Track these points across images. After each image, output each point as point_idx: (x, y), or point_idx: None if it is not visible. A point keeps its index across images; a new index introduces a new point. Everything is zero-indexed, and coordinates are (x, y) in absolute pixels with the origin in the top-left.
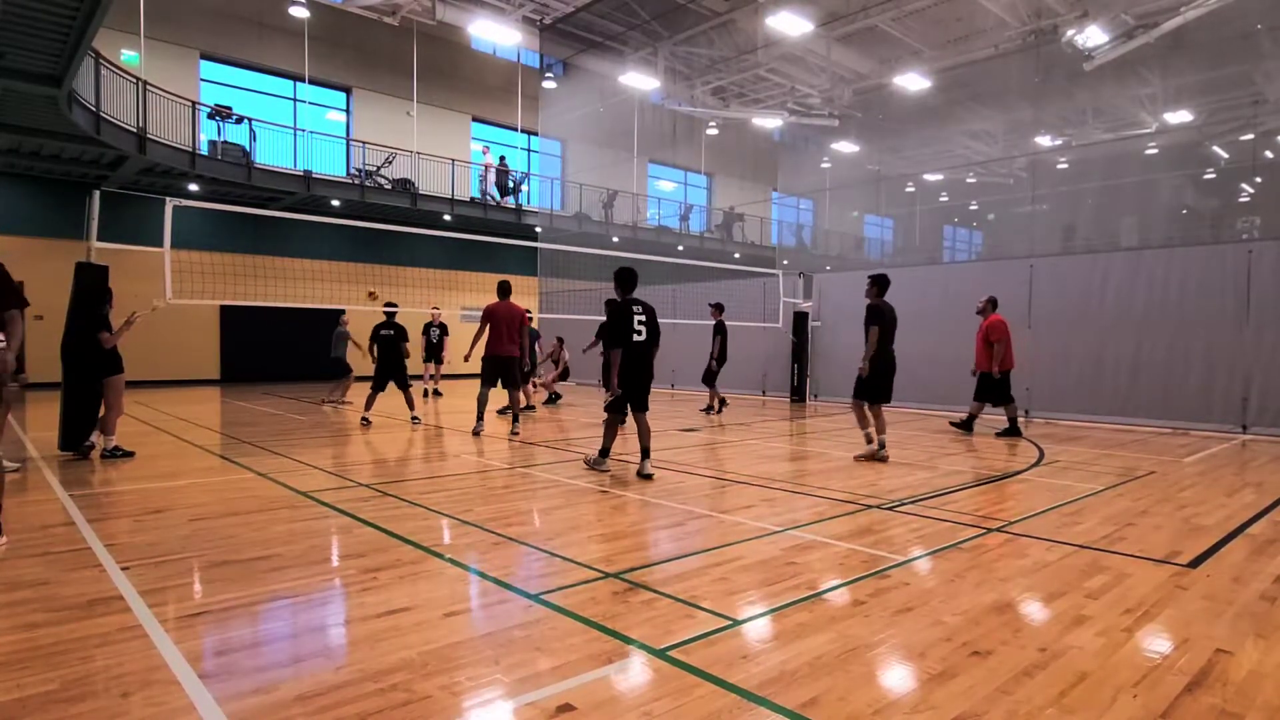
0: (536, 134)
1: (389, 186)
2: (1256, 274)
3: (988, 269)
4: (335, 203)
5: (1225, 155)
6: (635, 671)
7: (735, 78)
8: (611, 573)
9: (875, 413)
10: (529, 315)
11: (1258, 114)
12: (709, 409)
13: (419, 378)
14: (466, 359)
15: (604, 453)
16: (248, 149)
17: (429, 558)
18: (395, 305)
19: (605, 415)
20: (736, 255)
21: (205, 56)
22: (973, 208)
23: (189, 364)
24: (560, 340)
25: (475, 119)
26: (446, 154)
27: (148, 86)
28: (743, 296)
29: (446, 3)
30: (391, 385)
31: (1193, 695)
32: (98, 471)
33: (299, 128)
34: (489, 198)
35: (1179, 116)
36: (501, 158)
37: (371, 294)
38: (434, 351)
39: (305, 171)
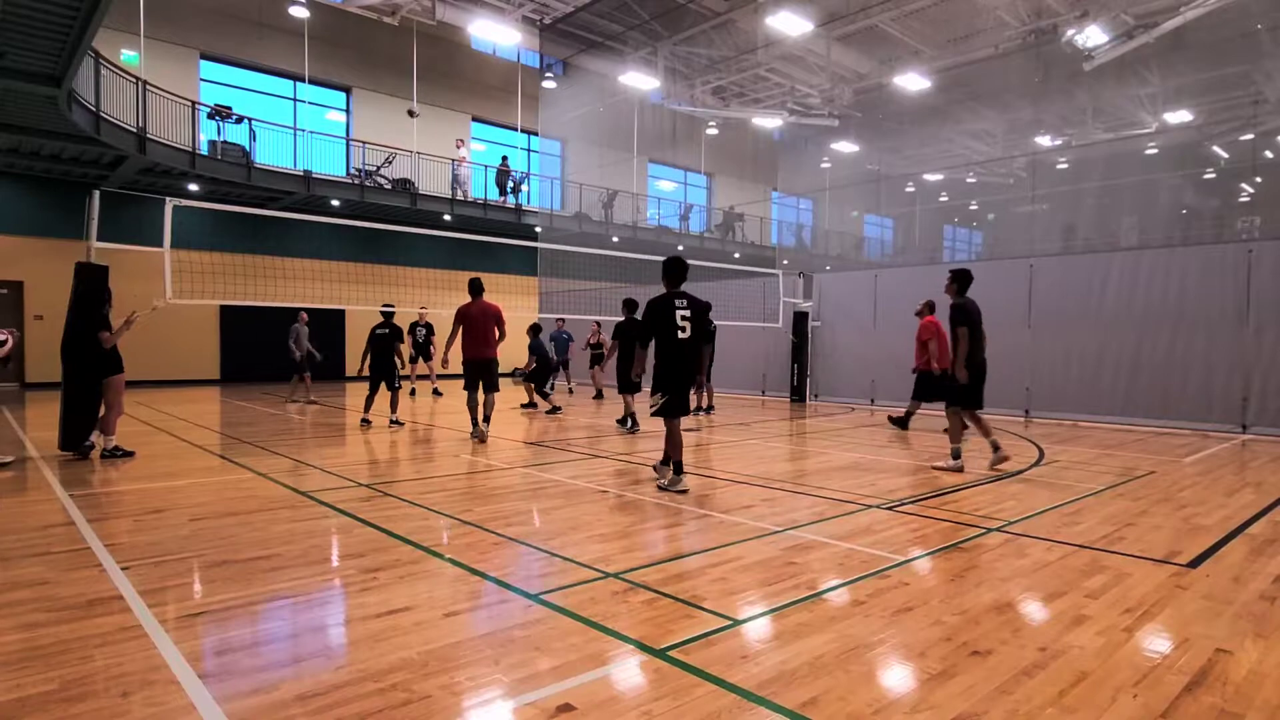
0: (536, 134)
1: (389, 186)
2: (1256, 274)
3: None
4: (335, 203)
5: (1225, 155)
6: (635, 671)
7: (735, 78)
8: (611, 573)
9: (974, 419)
10: (548, 317)
11: (1258, 114)
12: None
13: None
14: (445, 363)
15: (677, 468)
16: (248, 149)
17: (429, 558)
18: (392, 306)
19: (664, 423)
20: (736, 255)
21: (205, 56)
22: (973, 207)
23: (189, 364)
24: (599, 325)
25: (475, 119)
26: (446, 154)
27: (148, 86)
28: (742, 296)
29: (446, 3)
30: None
31: (1193, 695)
32: (98, 471)
33: (299, 128)
34: (461, 192)
35: (1179, 116)
36: (504, 158)
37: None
38: (422, 350)
39: (305, 171)
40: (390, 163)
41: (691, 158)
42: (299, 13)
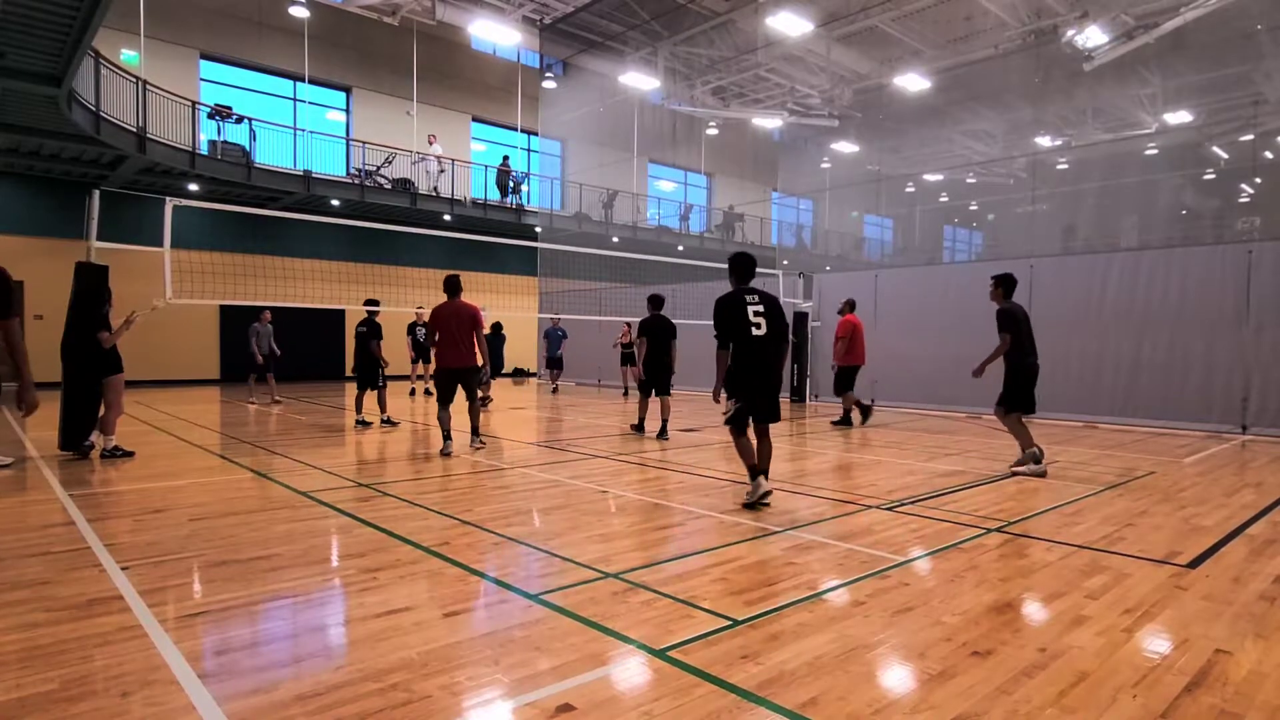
0: (536, 134)
1: (389, 186)
2: (1256, 274)
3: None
4: (335, 203)
5: (1225, 155)
6: (635, 671)
7: (735, 78)
8: (611, 573)
9: (1014, 423)
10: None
11: (1258, 114)
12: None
13: (405, 378)
14: (434, 377)
15: (754, 472)
16: (248, 149)
17: (429, 558)
18: (376, 302)
19: (730, 432)
20: None
21: (205, 56)
22: (973, 208)
23: (189, 364)
24: (629, 325)
25: (475, 119)
26: (446, 154)
27: (148, 86)
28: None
29: (446, 3)
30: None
31: (1192, 695)
32: (97, 471)
33: (299, 128)
34: (434, 190)
35: (1179, 117)
36: (505, 158)
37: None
38: (422, 351)
39: (305, 171)
40: (390, 162)
41: (691, 158)
42: (299, 13)
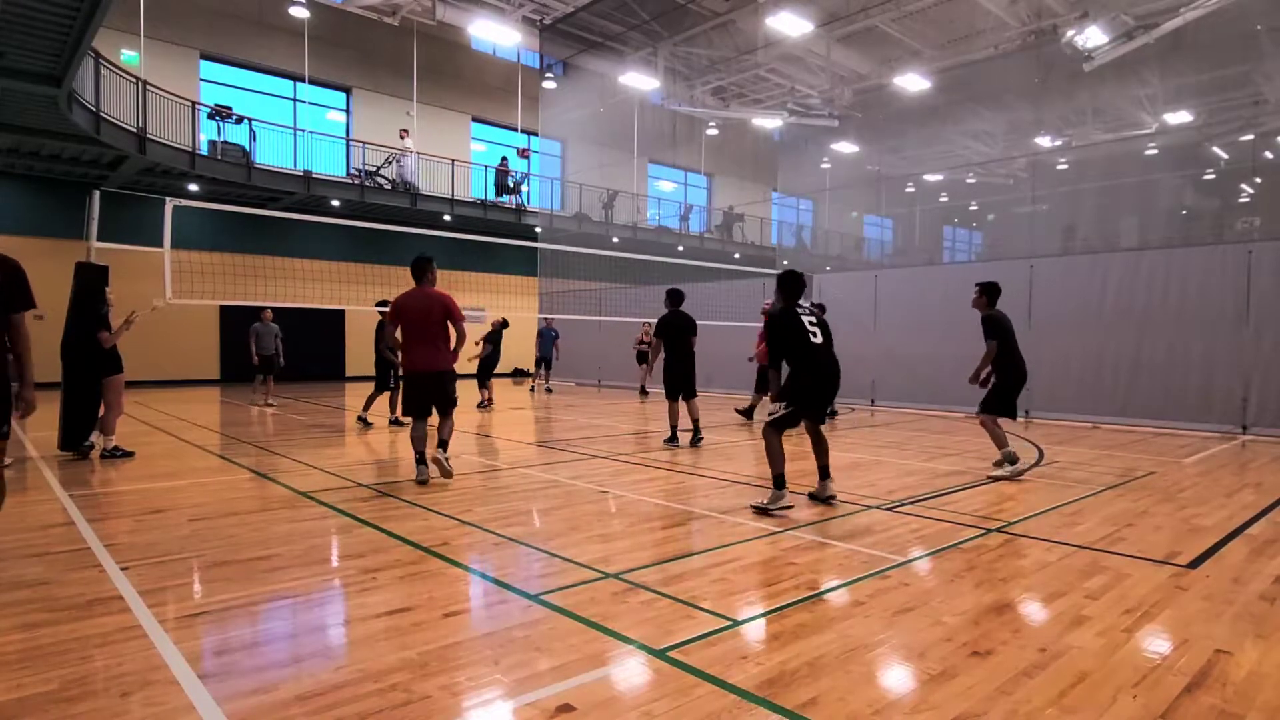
0: (536, 134)
1: (389, 186)
2: (1256, 274)
3: (988, 269)
4: (335, 203)
5: (1225, 156)
6: (635, 672)
7: (735, 78)
8: (611, 573)
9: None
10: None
11: (1258, 114)
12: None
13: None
14: (397, 382)
15: (779, 482)
16: (248, 149)
17: (429, 558)
18: (387, 303)
19: (764, 434)
20: (736, 255)
21: (205, 56)
22: (973, 208)
23: (189, 364)
24: (648, 325)
25: (475, 119)
26: (446, 154)
27: (148, 86)
28: (743, 297)
29: (446, 3)
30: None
31: (1192, 695)
32: (97, 471)
33: (299, 128)
34: (407, 185)
35: (1179, 117)
36: (503, 159)
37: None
38: None
39: (305, 171)
40: (390, 163)
41: (691, 158)
42: (299, 13)
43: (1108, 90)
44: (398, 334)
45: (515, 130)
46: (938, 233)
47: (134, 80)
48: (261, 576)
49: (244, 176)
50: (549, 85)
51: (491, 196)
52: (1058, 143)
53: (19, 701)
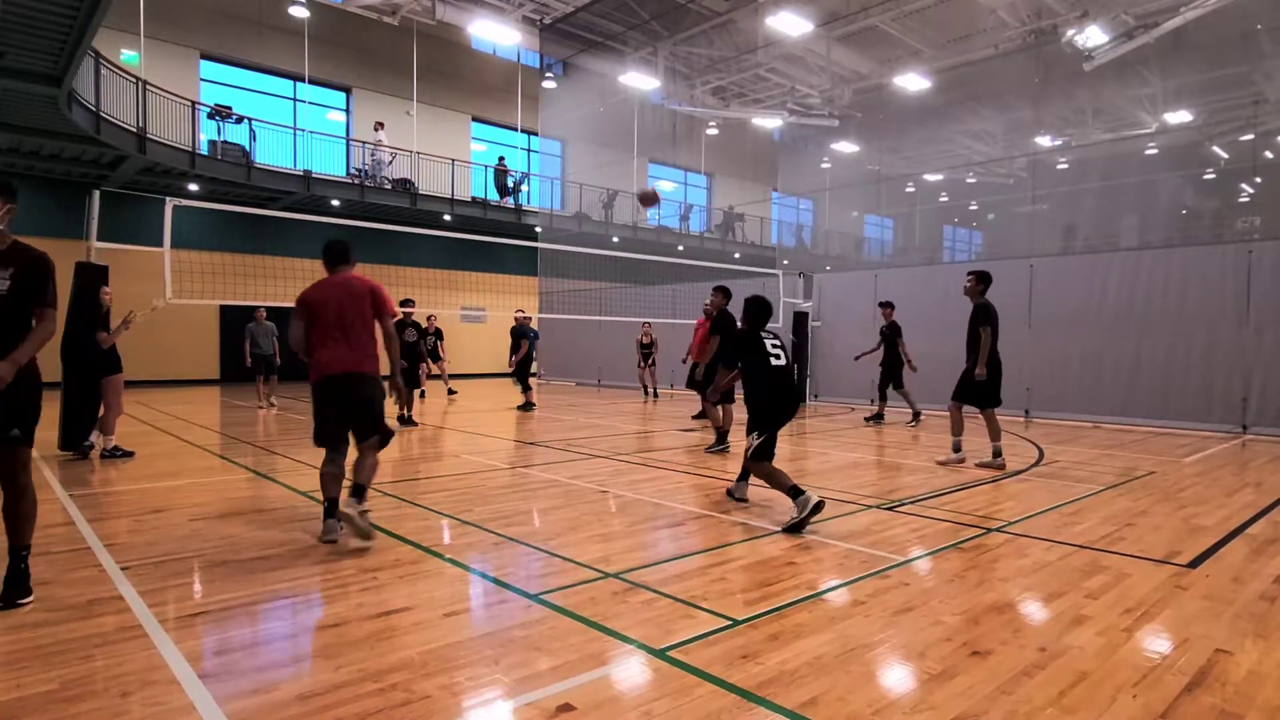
0: (536, 134)
1: (389, 186)
2: (1256, 274)
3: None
4: (335, 203)
5: (1225, 155)
6: (635, 671)
7: (735, 78)
8: (611, 573)
9: (990, 417)
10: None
11: (1258, 114)
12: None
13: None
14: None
15: (795, 492)
16: (248, 149)
17: (429, 558)
18: (411, 302)
19: (756, 469)
20: (736, 255)
21: (205, 56)
22: (973, 208)
23: (189, 364)
24: (648, 324)
25: (475, 119)
26: (446, 154)
27: (148, 86)
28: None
29: (446, 3)
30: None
31: (1192, 695)
32: (97, 471)
33: (299, 128)
34: (382, 179)
35: (1179, 116)
36: (500, 158)
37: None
38: (431, 354)
39: (305, 171)
40: (390, 163)
41: (691, 158)
42: (299, 13)
43: (1108, 90)
44: (319, 335)
45: (515, 130)
46: (938, 232)
47: (134, 80)
48: (261, 576)
49: (244, 176)
50: (549, 85)
51: (493, 197)
52: (1058, 142)
53: (19, 701)
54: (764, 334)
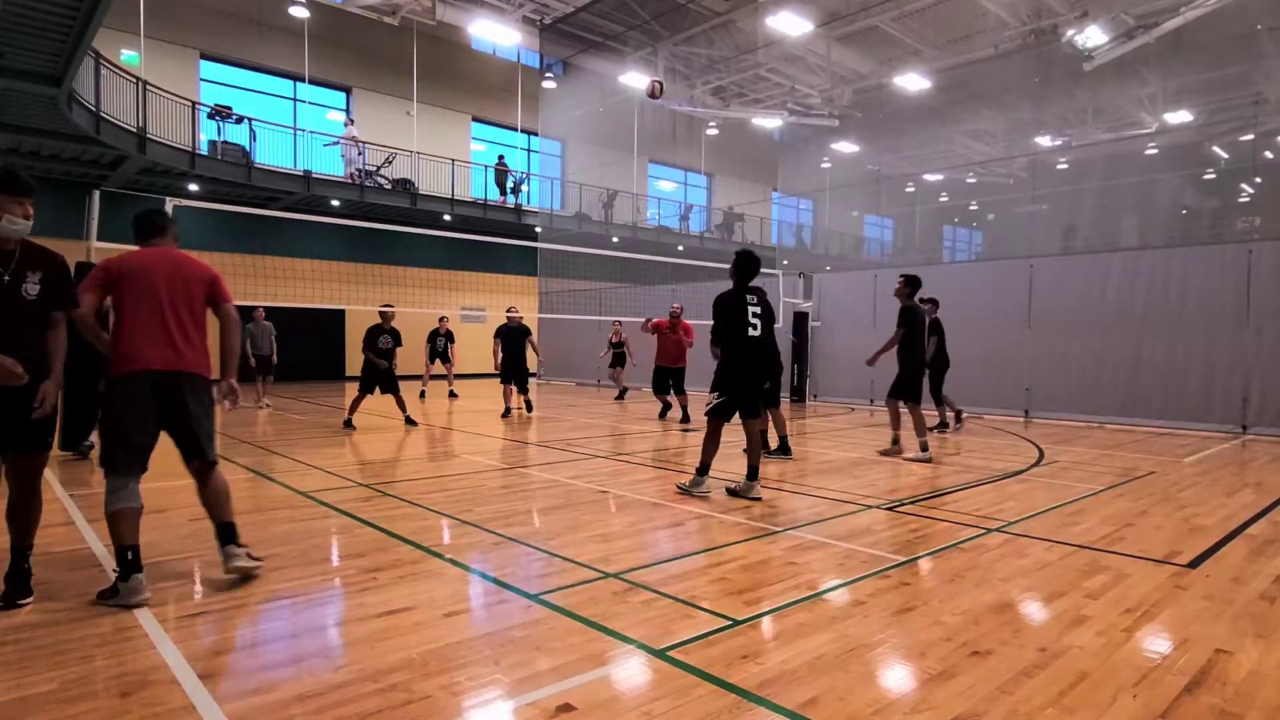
0: (536, 134)
1: (389, 186)
2: (1256, 274)
3: (988, 269)
4: (335, 203)
5: (1225, 155)
6: (635, 671)
7: (735, 78)
8: (611, 573)
9: (896, 408)
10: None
11: (1258, 114)
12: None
13: (418, 377)
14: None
15: (702, 470)
16: (248, 149)
17: (429, 558)
18: (390, 305)
19: (708, 423)
20: None
21: (205, 56)
22: (973, 208)
23: None
24: (619, 324)
25: (475, 119)
26: (446, 154)
27: (148, 86)
28: None
29: (446, 3)
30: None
31: (1192, 695)
32: (97, 471)
33: (299, 128)
34: (356, 173)
35: (1179, 116)
36: (500, 157)
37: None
38: (441, 355)
39: (305, 171)
40: (390, 163)
41: (691, 158)
42: (299, 13)
43: (1108, 90)
44: (131, 317)
45: (515, 130)
46: (938, 232)
47: (134, 80)
48: (261, 576)
49: (244, 176)
50: (549, 85)
51: (493, 196)
52: (1058, 142)
53: (19, 701)
54: (750, 296)
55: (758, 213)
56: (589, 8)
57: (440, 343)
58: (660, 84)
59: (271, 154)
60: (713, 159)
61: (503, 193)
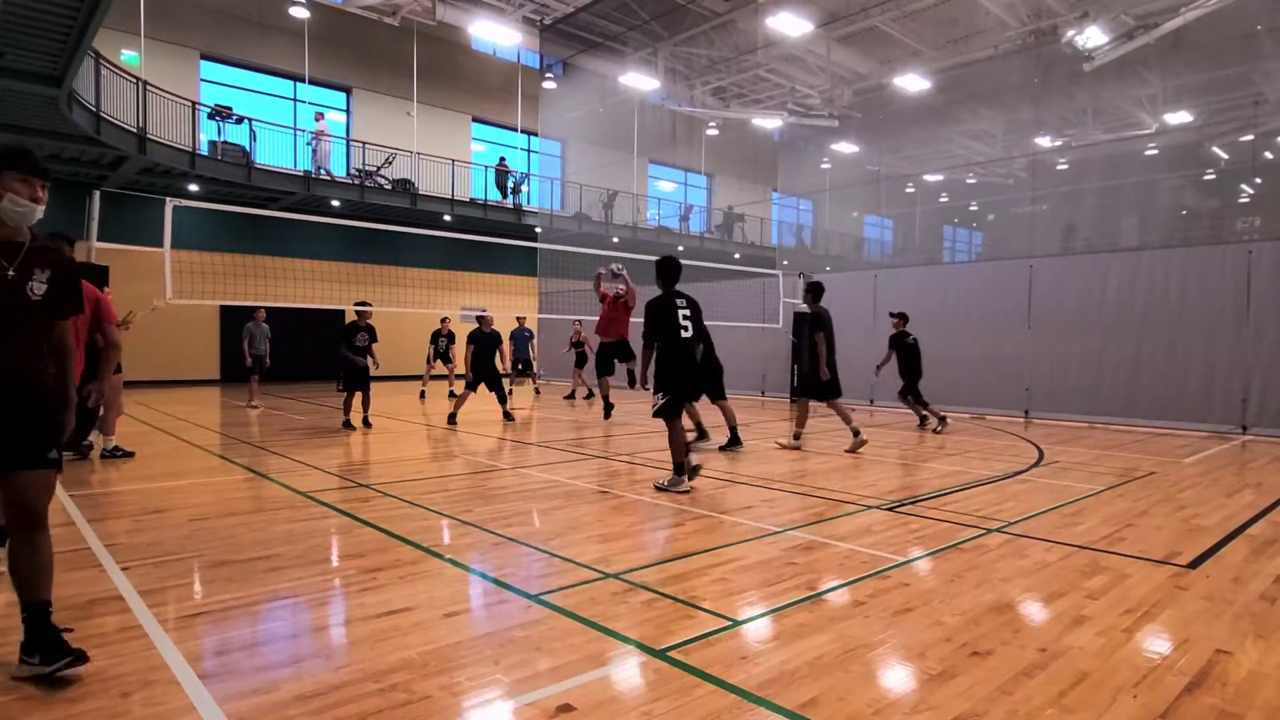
0: (536, 134)
1: (389, 186)
2: (1256, 274)
3: (988, 270)
4: (335, 203)
5: (1225, 156)
6: (635, 672)
7: (735, 78)
8: (611, 573)
9: (804, 408)
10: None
11: (1258, 114)
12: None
13: (418, 378)
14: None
15: (679, 469)
16: (248, 149)
17: (429, 558)
18: (366, 304)
19: (665, 423)
20: (736, 255)
21: (205, 56)
22: (973, 208)
23: (189, 364)
24: (580, 324)
25: (475, 119)
26: (446, 154)
27: (148, 86)
28: (743, 297)
29: (446, 3)
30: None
31: (1192, 695)
32: (97, 471)
33: (299, 128)
34: (322, 171)
35: (1179, 117)
36: (501, 158)
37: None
38: (442, 356)
39: (305, 171)
40: (390, 163)
41: (691, 158)
42: (299, 13)
43: (1108, 90)
44: None
45: (515, 130)
46: (938, 233)
47: (134, 80)
48: (261, 576)
49: (244, 176)
50: (549, 85)
51: (494, 197)
52: (1058, 143)
53: (19, 701)
54: (679, 300)
55: (758, 213)
56: (589, 8)
57: (442, 343)
58: None
59: (271, 154)
60: (713, 159)
61: (503, 194)
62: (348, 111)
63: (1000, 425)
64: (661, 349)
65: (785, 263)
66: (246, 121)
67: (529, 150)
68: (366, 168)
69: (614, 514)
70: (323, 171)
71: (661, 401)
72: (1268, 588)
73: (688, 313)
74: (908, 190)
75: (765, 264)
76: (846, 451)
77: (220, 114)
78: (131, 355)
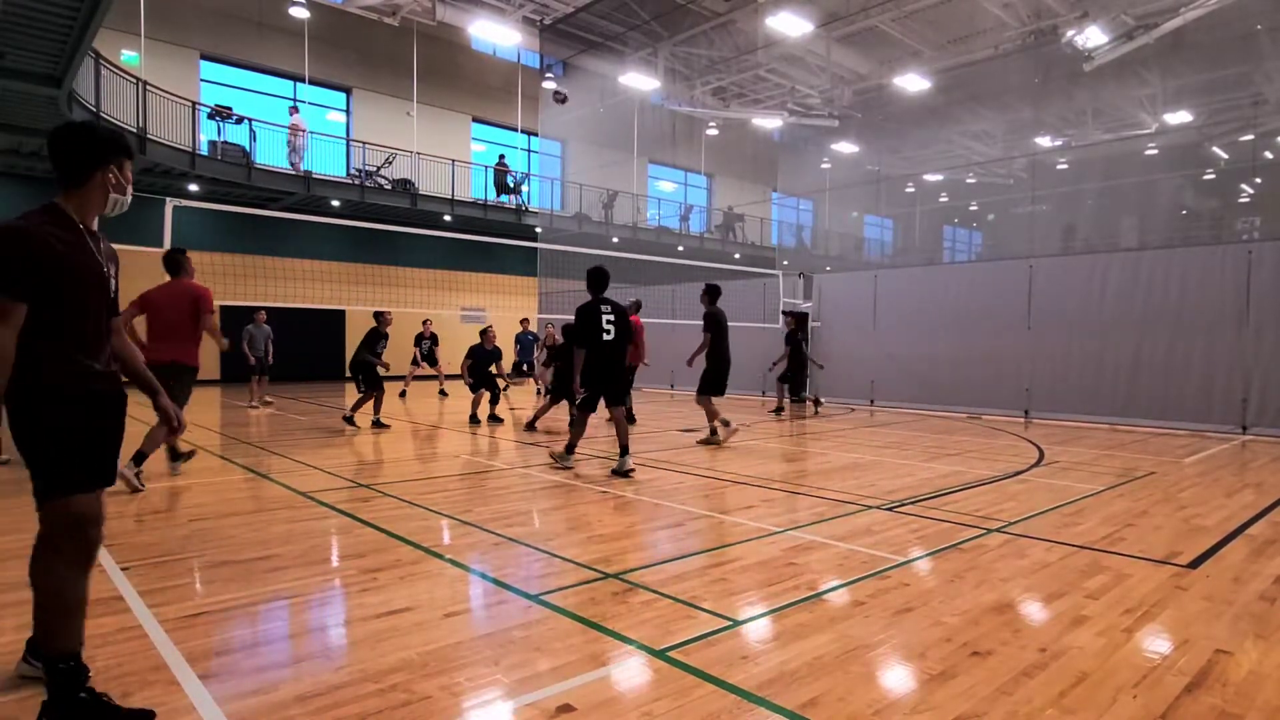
0: (536, 134)
1: (389, 187)
2: (1256, 274)
3: (987, 270)
4: (335, 203)
5: (1225, 156)
6: (635, 672)
7: (735, 78)
8: (611, 573)
9: (705, 403)
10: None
11: (1258, 114)
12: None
13: (401, 378)
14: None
15: (570, 449)
16: (248, 149)
17: (429, 558)
18: (382, 314)
19: (577, 413)
20: (736, 255)
21: (205, 57)
22: (973, 208)
23: None
24: (553, 326)
25: (475, 119)
26: (446, 154)
27: (148, 87)
28: (743, 297)
29: (446, 3)
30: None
31: (1192, 695)
32: None
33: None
34: (298, 169)
35: (1179, 117)
36: (501, 157)
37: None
38: (428, 358)
39: (305, 172)
40: (390, 163)
41: (691, 158)
42: (299, 13)
43: (1108, 90)
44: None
45: (515, 130)
46: (938, 233)
47: (134, 80)
48: (261, 576)
49: (244, 176)
50: (549, 85)
51: (492, 197)
52: (1058, 143)
53: (19, 702)
54: (604, 306)
55: (758, 213)
56: (589, 8)
57: (425, 346)
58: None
59: (271, 154)
60: (713, 159)
61: (499, 192)
62: (348, 111)
63: (1000, 425)
64: (589, 352)
65: (785, 263)
66: (246, 121)
67: (529, 150)
68: (366, 168)
69: (614, 514)
70: (302, 169)
71: (584, 396)
72: (1268, 588)
73: (611, 318)
74: (908, 190)
75: (765, 264)
76: (699, 443)
77: (220, 114)
78: None
